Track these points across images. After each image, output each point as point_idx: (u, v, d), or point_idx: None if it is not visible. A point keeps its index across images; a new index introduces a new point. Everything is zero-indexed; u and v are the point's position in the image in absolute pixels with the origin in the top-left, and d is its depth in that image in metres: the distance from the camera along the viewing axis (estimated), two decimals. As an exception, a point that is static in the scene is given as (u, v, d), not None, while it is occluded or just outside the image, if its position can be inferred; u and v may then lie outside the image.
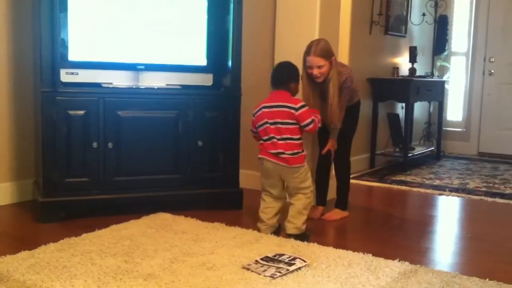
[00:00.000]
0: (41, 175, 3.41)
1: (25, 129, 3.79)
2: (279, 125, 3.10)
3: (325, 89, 3.38)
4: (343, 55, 4.89)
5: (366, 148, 5.61)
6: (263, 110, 3.17)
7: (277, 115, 3.11)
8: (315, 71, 3.31)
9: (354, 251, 2.90)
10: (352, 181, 4.89)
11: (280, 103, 3.12)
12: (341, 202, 3.71)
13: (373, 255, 2.84)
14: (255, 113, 3.22)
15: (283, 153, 3.08)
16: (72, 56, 3.40)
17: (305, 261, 2.70)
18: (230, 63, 3.73)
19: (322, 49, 3.30)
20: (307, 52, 3.32)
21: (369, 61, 5.56)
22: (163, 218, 3.42)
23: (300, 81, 3.35)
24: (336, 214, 3.66)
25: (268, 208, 3.23)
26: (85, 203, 3.45)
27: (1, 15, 3.64)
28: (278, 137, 3.10)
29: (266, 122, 3.13)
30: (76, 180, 3.40)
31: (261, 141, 3.18)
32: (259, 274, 2.54)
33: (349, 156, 3.70)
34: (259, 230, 3.20)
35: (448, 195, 4.54)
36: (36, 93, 3.52)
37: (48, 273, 2.48)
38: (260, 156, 3.16)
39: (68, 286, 2.34)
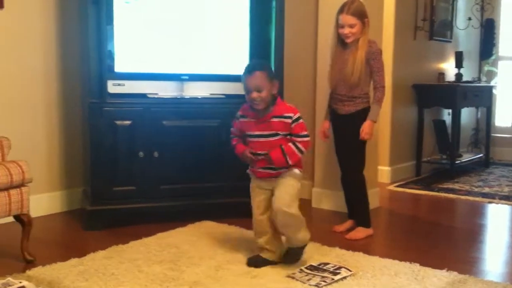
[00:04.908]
0: (89, 184, 3.50)
1: (74, 140, 3.89)
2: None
3: (350, 57, 3.24)
4: (386, 61, 4.82)
5: (412, 156, 5.51)
6: None
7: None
8: (346, 30, 3.22)
9: (400, 260, 2.85)
10: (397, 189, 4.86)
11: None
12: (362, 220, 3.40)
13: (420, 264, 2.79)
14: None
15: None
16: (118, 67, 3.48)
17: (350, 270, 2.67)
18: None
19: (356, 8, 3.22)
20: (340, 11, 3.25)
21: (413, 67, 5.47)
22: (208, 226, 3.45)
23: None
24: (359, 232, 3.36)
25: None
26: (132, 211, 3.51)
27: (50, 28, 3.76)
28: None
29: None
30: (123, 189, 3.47)
31: None
32: (304, 283, 2.53)
33: (361, 169, 3.38)
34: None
35: (497, 203, 4.41)
36: (84, 104, 3.62)
37: (97, 280, 2.54)
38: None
39: (116, 293, 2.39)
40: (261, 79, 2.59)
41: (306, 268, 2.70)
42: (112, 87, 3.44)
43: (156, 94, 3.58)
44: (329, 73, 3.42)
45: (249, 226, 3.38)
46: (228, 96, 3.73)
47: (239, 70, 3.76)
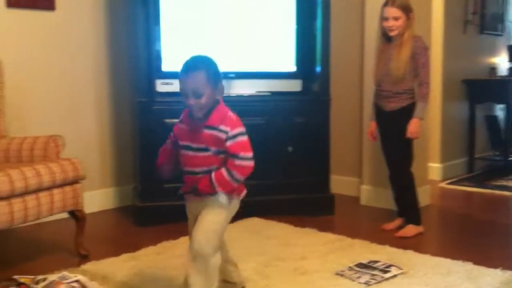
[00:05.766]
0: (139, 181, 3.57)
1: (125, 138, 3.98)
2: None
3: (395, 51, 3.20)
4: (436, 56, 4.74)
5: (464, 152, 5.37)
6: None
7: None
8: (390, 23, 3.17)
9: (453, 259, 2.78)
10: (449, 186, 4.75)
11: None
12: (412, 218, 3.33)
13: (474, 263, 2.71)
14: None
15: None
16: (166, 67, 3.54)
17: (401, 269, 2.62)
18: (318, 68, 3.72)
19: (401, 1, 3.18)
20: (385, 3, 3.21)
21: (464, 62, 5.32)
22: (255, 223, 3.46)
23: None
24: (410, 230, 3.29)
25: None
26: (181, 208, 3.54)
27: (100, 29, 3.85)
28: None
29: None
30: (172, 186, 3.50)
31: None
32: (353, 280, 2.51)
33: (408, 166, 3.31)
34: None
35: (555, 201, 4.25)
36: (133, 103, 3.70)
37: (149, 275, 2.59)
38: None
39: (167, 288, 2.42)
40: (200, 81, 1.98)
41: (356, 265, 2.67)
42: (160, 86, 3.50)
43: (203, 92, 3.61)
44: (374, 69, 3.38)
45: (296, 223, 3.39)
46: (274, 94, 3.74)
47: (286, 67, 3.80)
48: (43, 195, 2.68)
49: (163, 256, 2.84)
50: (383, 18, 3.23)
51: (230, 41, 3.68)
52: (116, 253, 2.87)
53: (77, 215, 2.88)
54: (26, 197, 2.59)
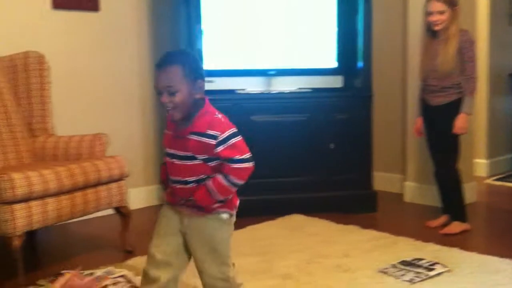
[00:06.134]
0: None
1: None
2: None
3: (441, 46, 3.14)
4: (481, 50, 4.61)
5: (511, 148, 5.22)
6: None
7: None
8: (435, 17, 3.11)
9: (500, 257, 2.71)
10: (496, 183, 4.63)
11: None
12: (457, 214, 3.27)
13: (523, 262, 2.64)
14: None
15: None
16: (207, 65, 3.58)
17: (446, 267, 2.57)
18: (360, 64, 3.68)
19: None
20: None
21: (510, 55, 5.17)
22: (297, 220, 3.46)
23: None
24: (455, 227, 3.23)
25: None
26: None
27: (143, 28, 3.93)
28: None
29: None
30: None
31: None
32: (397, 278, 2.47)
33: (454, 162, 3.25)
34: None
35: None
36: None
37: (192, 269, 2.60)
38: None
39: (210, 283, 2.44)
40: (175, 76, 1.76)
41: (399, 263, 2.63)
42: (202, 84, 3.53)
43: (244, 90, 3.64)
44: (419, 64, 3.33)
45: (339, 220, 3.36)
46: (315, 90, 3.72)
47: (327, 63, 3.78)
48: (89, 192, 2.75)
49: (206, 252, 2.87)
50: (428, 13, 3.17)
51: (270, 38, 3.68)
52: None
53: (122, 212, 2.95)
54: (74, 193, 2.67)
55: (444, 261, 2.64)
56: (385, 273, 2.54)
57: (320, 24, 3.73)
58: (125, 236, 2.97)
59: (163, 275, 1.84)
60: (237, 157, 1.77)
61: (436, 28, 3.15)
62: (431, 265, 2.60)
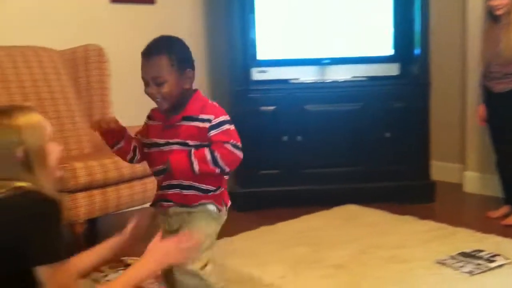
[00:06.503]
0: (238, 168, 3.64)
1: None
2: None
3: (503, 31, 3.03)
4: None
5: None
6: None
7: None
8: (497, 1, 3.01)
9: None
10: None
11: None
12: None
13: None
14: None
15: None
16: (261, 55, 3.58)
17: (508, 258, 2.49)
18: (417, 51, 3.59)
19: None
20: None
21: None
22: (351, 210, 3.42)
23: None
24: None
25: None
26: (277, 194, 3.60)
27: (198, 20, 3.98)
28: None
29: None
30: (268, 173, 3.57)
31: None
32: (456, 269, 2.42)
33: None
34: None
35: None
36: (230, 91, 3.77)
37: (247, 258, 2.65)
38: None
39: (265, 272, 2.47)
40: (161, 66, 1.70)
41: (458, 254, 2.57)
42: (256, 74, 3.55)
43: (297, 79, 3.63)
44: (481, 50, 3.23)
45: (394, 211, 3.31)
46: (371, 78, 3.66)
47: (383, 51, 3.70)
48: (148, 181, 2.81)
49: (260, 240, 2.90)
50: None
51: (324, 26, 3.64)
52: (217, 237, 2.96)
53: (178, 201, 3.00)
54: (132, 182, 2.75)
55: (506, 253, 2.55)
56: (443, 264, 2.48)
57: (375, 10, 3.65)
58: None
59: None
60: (232, 141, 1.71)
61: (498, 12, 3.05)
62: (491, 256, 2.52)
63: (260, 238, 2.94)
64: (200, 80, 3.98)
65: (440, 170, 3.98)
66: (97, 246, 1.69)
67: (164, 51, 1.71)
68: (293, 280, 2.39)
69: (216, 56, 4.04)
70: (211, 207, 1.78)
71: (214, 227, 1.82)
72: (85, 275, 1.66)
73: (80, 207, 2.52)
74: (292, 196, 3.62)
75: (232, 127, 1.74)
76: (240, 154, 1.73)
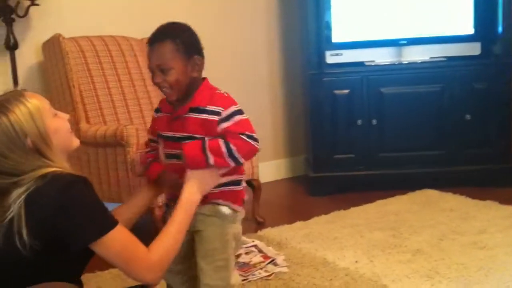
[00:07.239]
0: (311, 152, 3.66)
1: (297, 110, 4.08)
2: None
3: None
4: None
5: None
6: None
7: None
8: None
9: None
10: None
11: None
12: None
13: None
14: None
15: None
16: (336, 37, 3.54)
17: None
18: (500, 29, 3.43)
19: None
20: None
21: None
22: (429, 194, 3.34)
23: None
24: None
25: None
26: (351, 178, 3.58)
27: (272, 2, 3.97)
28: None
29: None
30: (343, 157, 3.55)
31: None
32: (541, 258, 2.32)
33: None
34: None
35: None
36: (304, 75, 3.77)
37: (321, 242, 2.66)
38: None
39: (339, 256, 2.48)
40: (168, 53, 1.58)
41: (544, 242, 2.46)
42: (330, 57, 3.52)
43: (373, 61, 3.56)
44: None
45: (475, 196, 3.20)
46: (450, 59, 3.54)
47: (462, 30, 3.56)
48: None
49: (335, 225, 2.90)
50: None
51: (400, 6, 3.54)
52: (290, 220, 3.00)
53: (253, 184, 3.05)
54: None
55: None
56: (527, 252, 2.39)
57: (454, -12, 3.52)
58: (256, 208, 3.08)
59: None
60: (247, 132, 1.58)
61: None
62: None
63: (334, 222, 2.94)
64: (273, 61, 4.02)
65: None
66: (132, 198, 1.77)
67: (169, 36, 1.59)
68: (368, 265, 2.38)
69: (291, 39, 4.03)
70: (225, 210, 1.67)
71: (232, 229, 1.69)
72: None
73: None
74: (366, 181, 3.58)
75: (244, 117, 1.62)
76: (256, 145, 1.60)
